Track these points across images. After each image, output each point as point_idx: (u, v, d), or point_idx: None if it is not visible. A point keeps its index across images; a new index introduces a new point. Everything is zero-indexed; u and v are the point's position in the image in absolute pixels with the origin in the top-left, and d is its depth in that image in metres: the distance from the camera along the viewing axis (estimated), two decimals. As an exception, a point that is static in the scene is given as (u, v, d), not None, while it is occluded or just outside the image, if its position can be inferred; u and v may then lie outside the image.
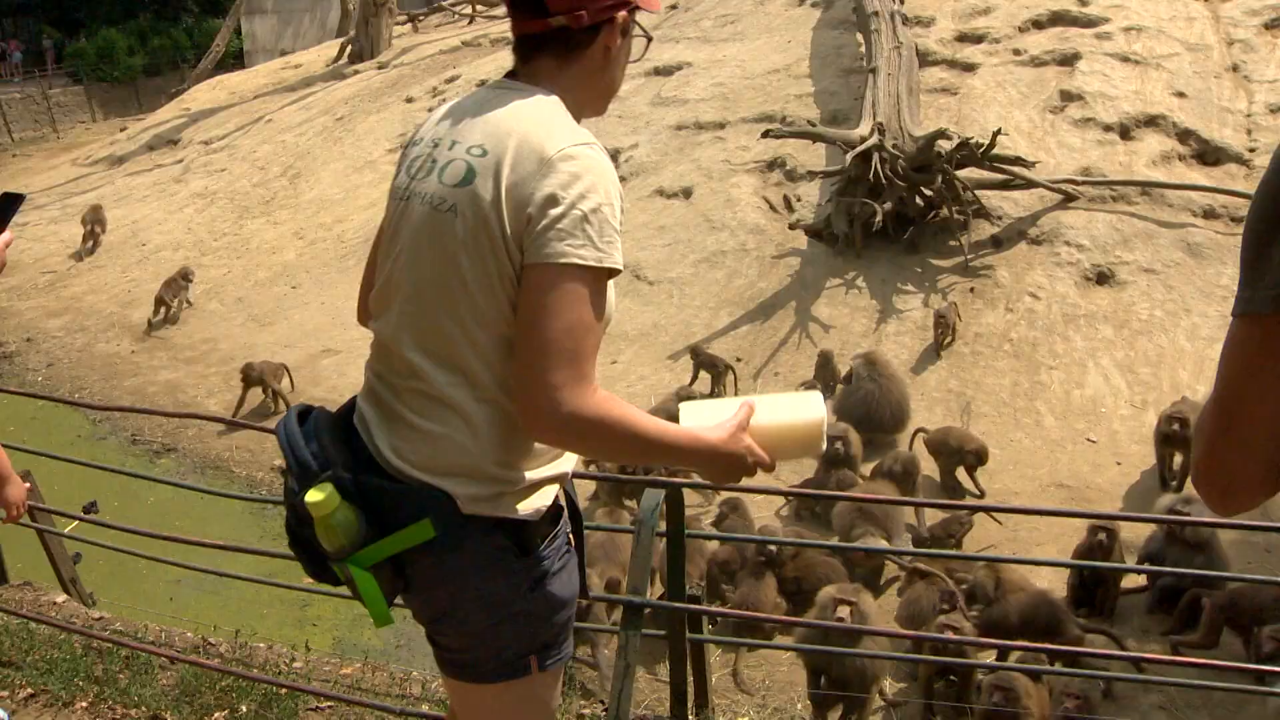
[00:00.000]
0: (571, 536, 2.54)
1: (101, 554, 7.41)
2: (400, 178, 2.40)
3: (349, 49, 24.63)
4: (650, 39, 2.51)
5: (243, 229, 17.63)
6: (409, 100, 20.28)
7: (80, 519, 5.80)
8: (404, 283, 2.32)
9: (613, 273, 2.21)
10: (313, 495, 2.20)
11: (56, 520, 6.37)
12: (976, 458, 8.93)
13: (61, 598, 5.36)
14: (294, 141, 20.24)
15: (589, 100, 2.43)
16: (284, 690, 4.07)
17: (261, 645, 4.77)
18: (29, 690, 4.33)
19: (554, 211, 2.15)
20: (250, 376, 11.92)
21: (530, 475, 2.35)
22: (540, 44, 2.36)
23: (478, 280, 2.21)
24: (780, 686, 6.84)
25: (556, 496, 2.45)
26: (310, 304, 14.65)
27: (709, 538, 7.41)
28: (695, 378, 10.90)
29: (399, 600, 2.36)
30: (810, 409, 2.44)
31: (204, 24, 41.35)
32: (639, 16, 2.43)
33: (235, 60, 34.06)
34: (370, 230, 16.12)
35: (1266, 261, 1.54)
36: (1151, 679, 5.66)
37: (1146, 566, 7.37)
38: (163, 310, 14.89)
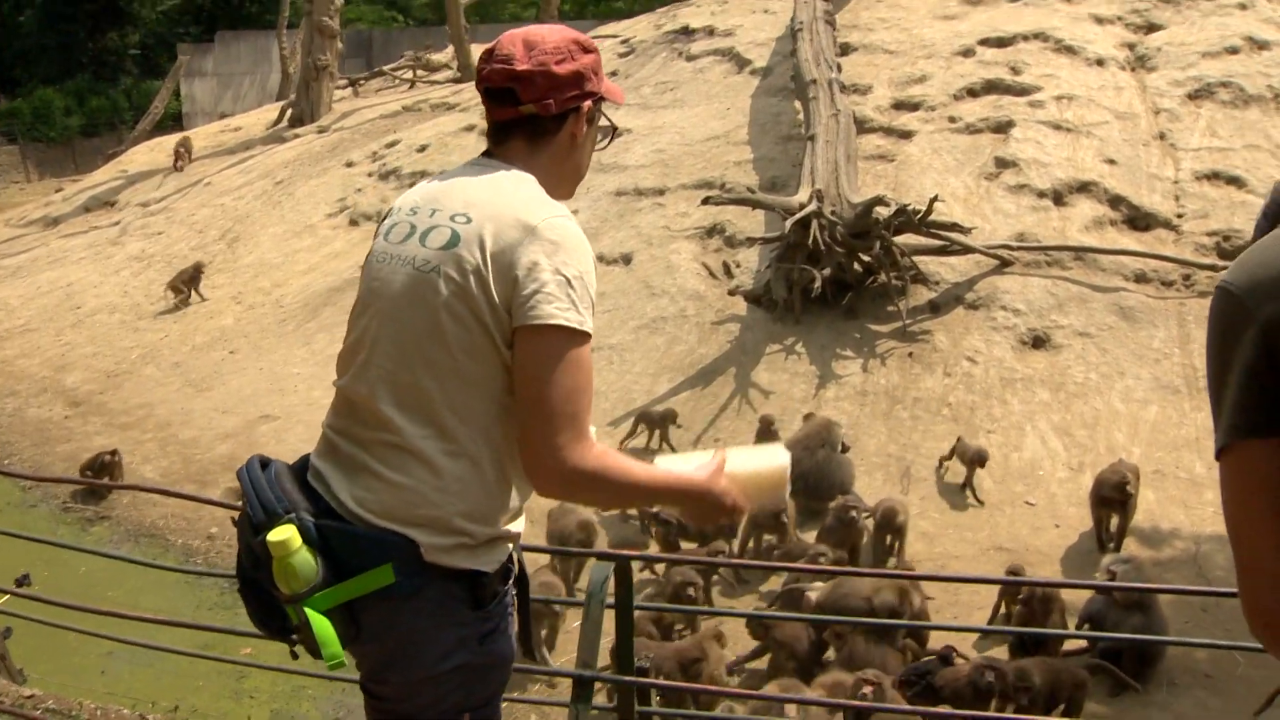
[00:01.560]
0: (516, 600, 2.63)
1: (31, 627, 7.26)
2: (378, 243, 2.56)
3: (289, 112, 24.63)
4: (615, 130, 2.76)
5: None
6: (349, 165, 20.27)
7: (11, 593, 5.68)
8: (381, 339, 2.45)
9: (588, 337, 2.38)
10: (276, 534, 2.28)
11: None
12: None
13: (-11, 675, 5.24)
14: (233, 205, 20.16)
15: (558, 183, 2.61)
16: (220, 770, 4.00)
17: (197, 723, 4.69)
18: (-47, 774, 4.22)
19: (540, 276, 2.32)
20: None
21: (490, 531, 2.45)
22: (512, 129, 2.57)
23: (458, 338, 2.35)
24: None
25: (509, 556, 2.56)
26: (248, 369, 14.52)
27: (658, 609, 7.38)
28: (650, 438, 10.99)
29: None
30: (776, 457, 2.71)
31: (142, 85, 41.11)
32: (606, 108, 2.68)
33: (174, 122, 33.95)
34: (309, 295, 16.07)
35: (1223, 400, 1.64)
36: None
37: (1086, 631, 7.43)
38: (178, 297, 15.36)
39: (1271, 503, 1.66)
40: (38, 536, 7.26)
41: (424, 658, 2.38)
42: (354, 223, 18.17)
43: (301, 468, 2.55)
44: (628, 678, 3.63)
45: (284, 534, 2.28)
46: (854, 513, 8.79)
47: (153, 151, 26.20)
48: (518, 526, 2.56)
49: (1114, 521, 8.87)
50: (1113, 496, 8.75)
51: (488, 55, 2.58)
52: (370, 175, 19.45)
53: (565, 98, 2.53)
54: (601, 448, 2.36)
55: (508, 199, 2.44)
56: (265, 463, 2.52)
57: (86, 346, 15.50)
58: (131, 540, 10.95)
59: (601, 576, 3.59)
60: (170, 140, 27.32)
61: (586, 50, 2.59)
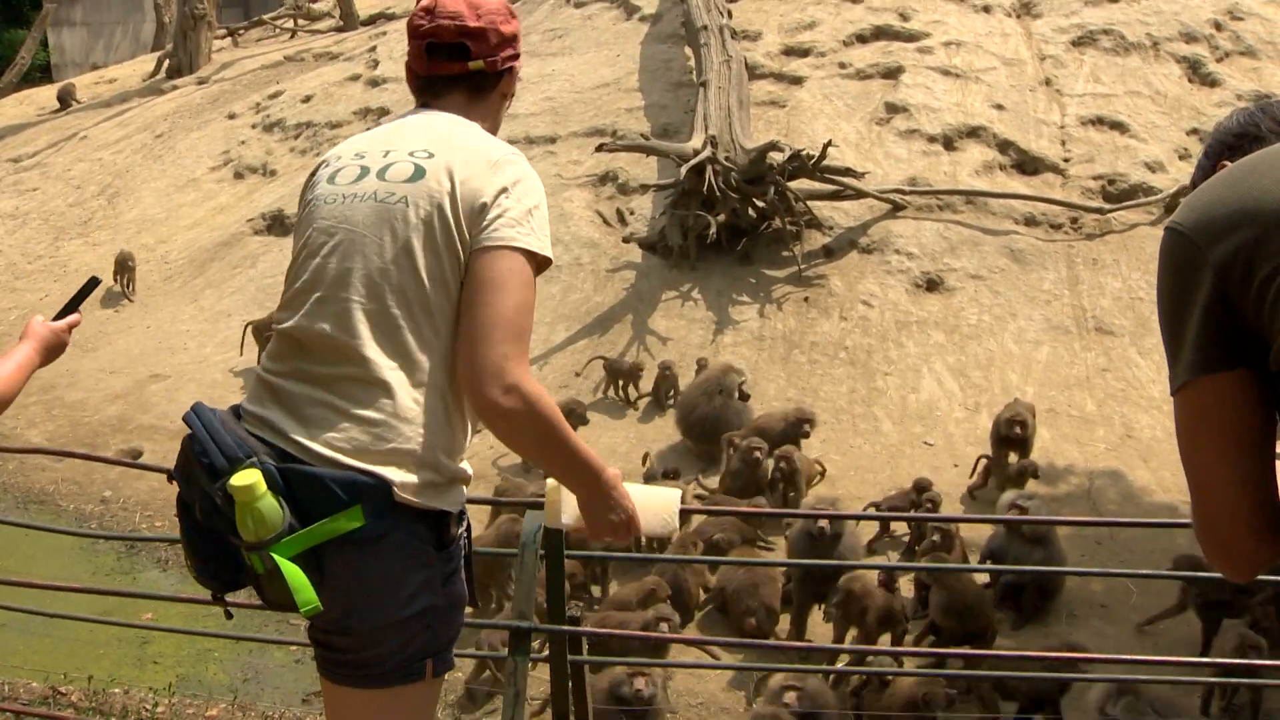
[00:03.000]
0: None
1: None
2: (322, 189, 2.59)
3: (166, 63, 23.89)
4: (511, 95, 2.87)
5: (59, 251, 16.95)
6: (231, 116, 19.78)
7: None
8: (345, 273, 2.44)
9: (544, 265, 2.51)
10: (240, 478, 2.23)
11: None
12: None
13: (-117, 653, 5.06)
14: (111, 159, 19.55)
15: (491, 131, 2.72)
16: (146, 738, 3.91)
17: (118, 691, 4.56)
18: None
19: (504, 202, 2.44)
20: None
21: (453, 467, 2.47)
22: (454, 84, 2.68)
23: (427, 265, 2.41)
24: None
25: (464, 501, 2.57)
26: (135, 328, 14.16)
27: (588, 557, 7.38)
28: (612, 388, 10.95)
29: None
30: (669, 492, 2.80)
31: (5, 35, 39.59)
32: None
33: (42, 74, 32.74)
34: (195, 250, 15.71)
35: (1181, 339, 1.68)
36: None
37: (989, 565, 7.60)
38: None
39: (1229, 435, 1.71)
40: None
41: (391, 602, 2.36)
42: (239, 175, 17.76)
43: (236, 417, 2.50)
44: (563, 627, 3.62)
45: (249, 478, 2.23)
46: (758, 454, 8.85)
47: (21, 104, 25.26)
48: (468, 468, 2.57)
49: (1013, 459, 9.06)
50: (1011, 435, 8.94)
51: (427, 12, 2.66)
52: (254, 127, 18.99)
53: (505, 55, 2.70)
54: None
55: (466, 138, 2.56)
56: (206, 410, 2.47)
57: (-39, 308, 15.01)
58: (20, 507, 10.64)
59: (534, 526, 3.57)
60: (40, 92, 26.40)
61: (513, 15, 2.75)
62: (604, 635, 5.31)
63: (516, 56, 2.75)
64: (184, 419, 2.41)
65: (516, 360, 2.34)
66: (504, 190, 2.46)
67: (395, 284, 2.41)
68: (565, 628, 3.64)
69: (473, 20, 2.63)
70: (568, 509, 2.65)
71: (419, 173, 2.48)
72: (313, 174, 2.69)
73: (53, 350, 2.86)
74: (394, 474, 2.34)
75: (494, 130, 2.74)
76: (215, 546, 2.37)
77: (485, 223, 2.43)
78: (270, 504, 2.24)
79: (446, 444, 2.45)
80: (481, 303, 2.38)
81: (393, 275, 2.41)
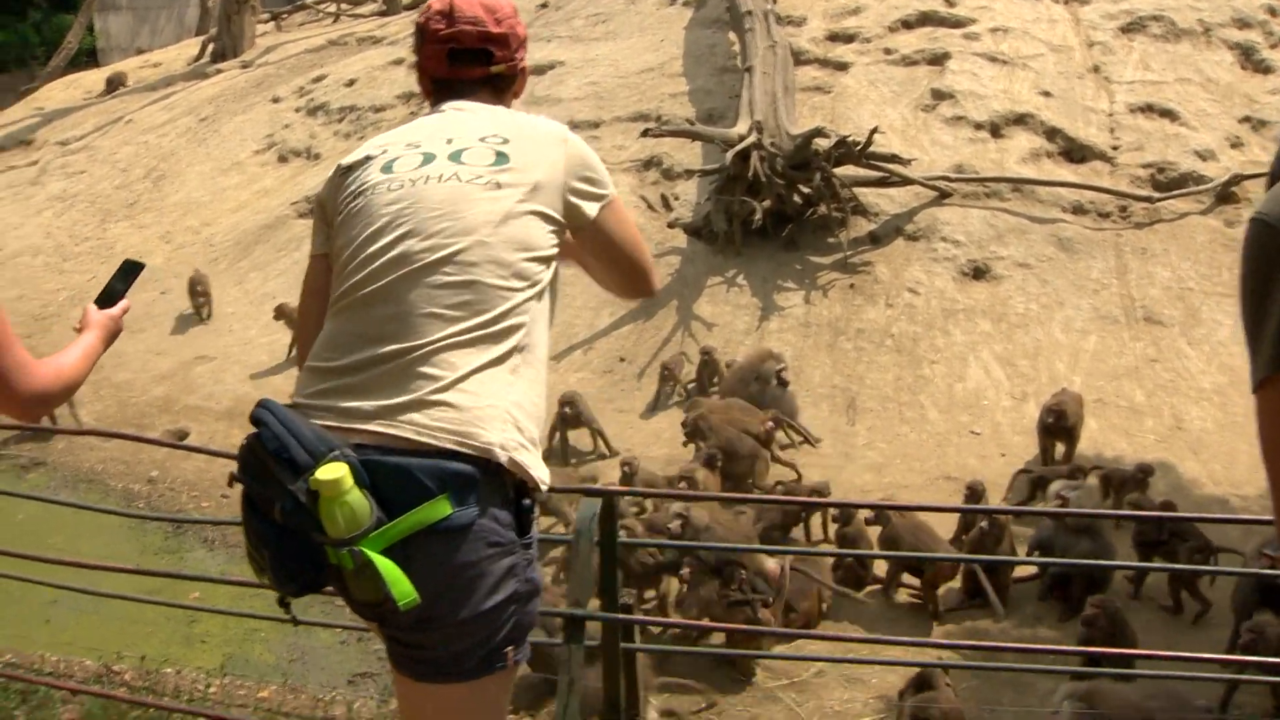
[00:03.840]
0: None
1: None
2: (374, 176, 2.58)
3: (211, 47, 24.00)
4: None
5: (106, 233, 17.08)
6: (275, 100, 19.84)
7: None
8: (426, 250, 2.44)
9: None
10: (327, 472, 2.17)
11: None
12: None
13: (-60, 630, 5.10)
14: (157, 142, 19.66)
15: None
16: (201, 718, 3.91)
17: (170, 671, 4.57)
18: (-88, 736, 4.09)
19: (586, 171, 2.63)
20: None
21: (538, 431, 2.50)
22: (476, 87, 2.76)
23: (518, 238, 2.47)
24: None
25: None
26: (181, 310, 14.25)
27: (643, 545, 7.37)
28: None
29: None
30: None
31: (53, 20, 39.85)
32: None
33: (88, 58, 32.97)
34: (240, 233, 15.78)
35: (1262, 333, 1.63)
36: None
37: (1037, 557, 7.55)
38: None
39: None
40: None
41: (478, 592, 2.31)
42: (283, 159, 17.83)
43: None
44: (616, 615, 3.60)
45: (337, 471, 2.17)
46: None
47: (69, 88, 25.45)
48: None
49: (1059, 450, 9.00)
50: (1053, 424, 8.88)
51: (446, 16, 2.71)
52: (298, 110, 19.05)
53: (520, 56, 2.83)
54: None
55: (531, 121, 2.69)
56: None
57: (10, 290, 15.09)
58: (69, 486, 10.74)
59: (590, 513, 3.54)
60: (86, 76, 26.58)
61: (517, 12, 2.85)
62: (657, 623, 5.30)
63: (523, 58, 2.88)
64: (253, 416, 2.31)
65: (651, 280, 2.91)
66: (581, 160, 2.63)
67: (489, 256, 2.42)
68: (619, 615, 3.62)
69: (493, 26, 2.72)
70: None
71: (502, 156, 2.54)
72: (346, 169, 2.66)
73: (113, 336, 2.86)
74: (490, 436, 2.31)
75: None
76: (297, 546, 2.29)
77: (579, 189, 2.60)
78: (358, 497, 2.18)
79: (533, 410, 2.46)
80: (621, 241, 2.71)
81: (485, 248, 2.42)
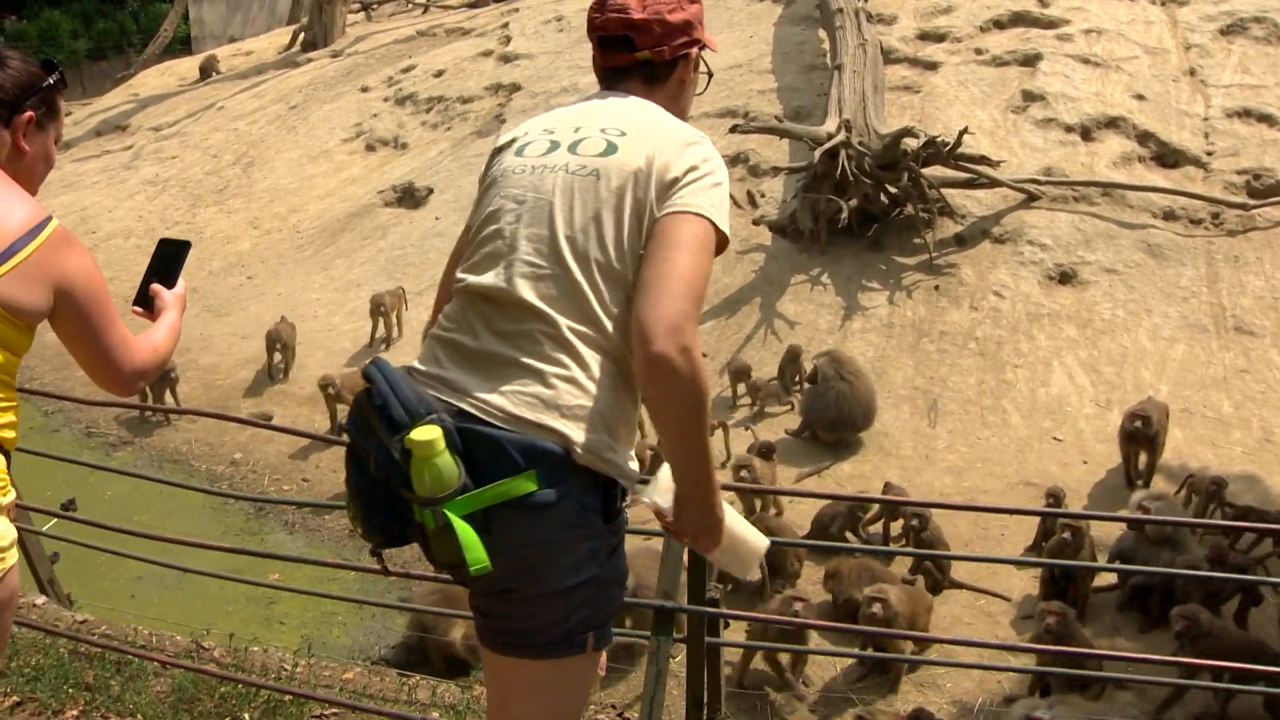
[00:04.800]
0: None
1: (62, 550, 7.26)
2: (509, 160, 2.64)
3: (302, 36, 24.34)
4: (711, 75, 2.91)
5: (196, 218, 17.37)
6: (364, 90, 20.07)
7: (60, 516, 5.65)
8: (532, 237, 2.48)
9: (724, 243, 2.50)
10: (421, 433, 2.24)
11: (34, 517, 6.20)
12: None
13: (41, 599, 5.21)
14: (247, 129, 19.97)
15: None
16: (288, 697, 3.96)
17: (257, 649, 4.65)
18: (15, 699, 4.16)
19: (694, 176, 2.47)
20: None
21: (628, 434, 2.49)
22: (628, 74, 2.72)
23: (615, 235, 2.43)
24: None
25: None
26: (266, 295, 14.46)
27: None
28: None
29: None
30: (760, 539, 2.72)
31: (150, 8, 40.60)
32: (705, 54, 2.82)
33: (183, 46, 33.53)
34: (327, 220, 15.97)
35: None
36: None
37: (1117, 565, 7.43)
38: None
39: None
40: (81, 460, 7.23)
41: (556, 570, 2.34)
42: (370, 148, 18.03)
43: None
44: (703, 608, 3.60)
45: (430, 433, 2.23)
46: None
47: (163, 75, 25.94)
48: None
49: (1142, 458, 8.87)
50: (1139, 432, 8.75)
51: (600, 4, 2.71)
52: (386, 100, 19.26)
53: (676, 44, 2.68)
54: None
55: (656, 118, 2.60)
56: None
57: (103, 271, 15.34)
58: (155, 465, 10.94)
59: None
60: (180, 63, 27.05)
61: (692, 0, 2.74)
62: (743, 617, 5.29)
63: (693, 43, 2.73)
64: (364, 372, 2.41)
65: (690, 321, 2.30)
66: (694, 168, 2.47)
67: (582, 251, 2.43)
68: (705, 609, 3.62)
69: (638, 12, 2.66)
70: (664, 494, 2.61)
71: (611, 148, 2.52)
72: (497, 150, 2.73)
73: (182, 314, 2.96)
74: (575, 433, 2.34)
75: (681, 114, 2.72)
76: (386, 500, 2.37)
77: (674, 192, 2.44)
78: (447, 461, 2.24)
79: (624, 411, 2.46)
80: (663, 258, 2.36)
81: (580, 243, 2.43)
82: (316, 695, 4.02)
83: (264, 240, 16.23)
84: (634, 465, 2.50)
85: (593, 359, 2.39)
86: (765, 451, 8.98)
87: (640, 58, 2.67)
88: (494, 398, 2.35)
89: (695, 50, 2.74)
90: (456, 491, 2.25)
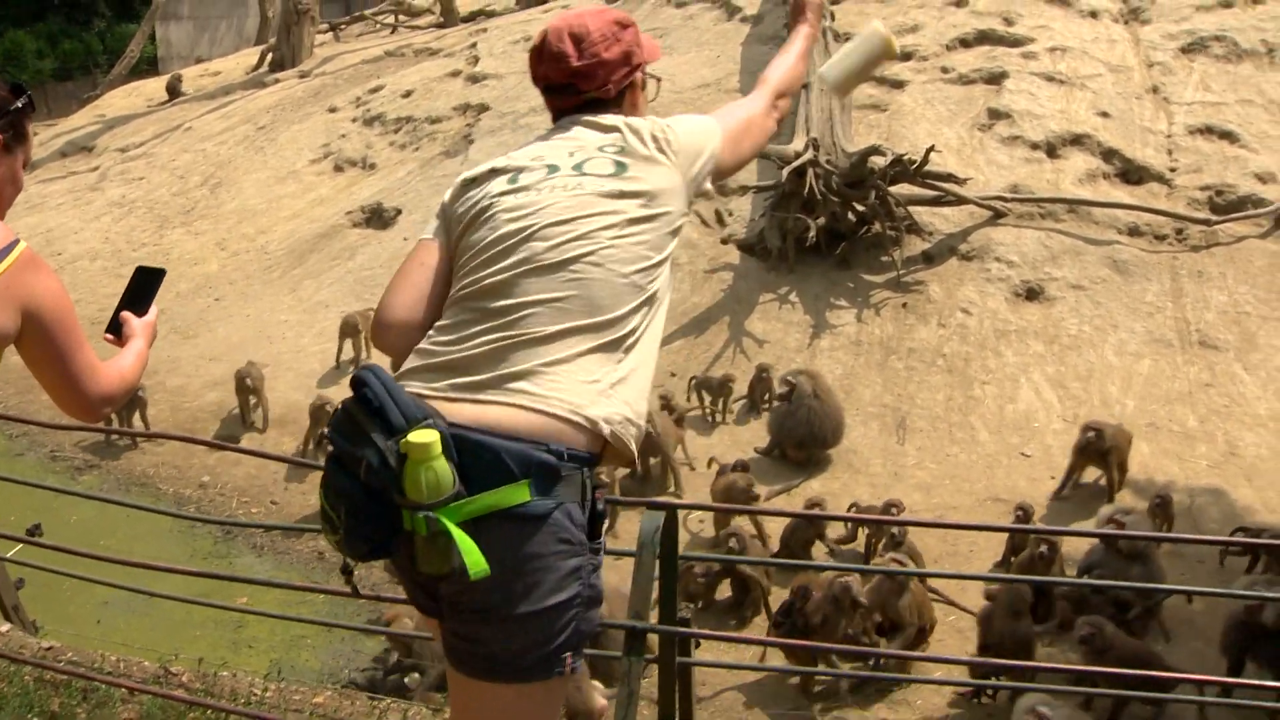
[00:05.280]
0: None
1: (27, 576, 7.20)
2: (499, 186, 2.69)
3: (270, 57, 24.29)
4: (660, 81, 3.06)
5: (163, 239, 17.29)
6: (332, 110, 20.03)
7: (25, 541, 5.60)
8: (545, 252, 2.53)
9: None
10: (419, 436, 2.24)
11: (-2, 543, 6.16)
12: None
13: (5, 626, 5.16)
14: (214, 150, 19.91)
15: None
16: (258, 721, 3.95)
17: (225, 674, 4.61)
18: (-23, 728, 4.15)
19: (697, 156, 2.73)
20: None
21: (642, 410, 2.56)
22: (580, 110, 2.81)
23: (639, 239, 2.55)
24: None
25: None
26: (234, 316, 14.40)
27: (702, 559, 7.43)
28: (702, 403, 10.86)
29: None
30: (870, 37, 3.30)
31: (116, 28, 40.43)
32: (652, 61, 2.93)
33: (149, 66, 33.43)
34: (295, 241, 15.92)
35: None
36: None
37: (1085, 580, 7.46)
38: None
39: None
40: (47, 484, 7.18)
41: (541, 587, 2.33)
42: (339, 168, 17.99)
43: None
44: (675, 628, 3.60)
45: (428, 436, 2.23)
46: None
47: (130, 96, 25.83)
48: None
49: (1089, 473, 9.02)
50: (1090, 445, 8.87)
51: (538, 55, 2.82)
52: (354, 121, 19.22)
53: (619, 78, 2.80)
54: None
55: (639, 120, 2.74)
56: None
57: (69, 293, 15.28)
58: (122, 489, 10.86)
59: (653, 526, 3.55)
60: (147, 84, 26.93)
61: (625, 26, 2.84)
62: (714, 637, 5.29)
63: (634, 69, 2.85)
64: (356, 377, 2.39)
65: (765, 89, 3.03)
66: (686, 149, 2.69)
67: (606, 263, 2.50)
68: (677, 629, 3.62)
69: (576, 60, 2.75)
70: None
71: (620, 166, 2.62)
72: (470, 181, 2.77)
73: (152, 343, 2.95)
74: (597, 410, 2.40)
75: None
76: (376, 507, 2.33)
77: (697, 175, 2.73)
78: (444, 466, 2.24)
79: (638, 385, 2.53)
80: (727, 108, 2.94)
81: (601, 256, 2.50)
82: (285, 720, 4.00)
83: (232, 262, 16.17)
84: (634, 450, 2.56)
85: (607, 352, 2.46)
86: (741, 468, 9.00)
87: (587, 99, 2.78)
88: (505, 392, 2.38)
89: (640, 74, 2.87)
90: (451, 498, 2.25)
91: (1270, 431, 9.60)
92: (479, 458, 2.30)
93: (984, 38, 15.00)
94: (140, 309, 2.93)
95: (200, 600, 5.91)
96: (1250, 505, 8.81)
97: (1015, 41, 14.77)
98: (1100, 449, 8.85)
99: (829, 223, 11.88)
